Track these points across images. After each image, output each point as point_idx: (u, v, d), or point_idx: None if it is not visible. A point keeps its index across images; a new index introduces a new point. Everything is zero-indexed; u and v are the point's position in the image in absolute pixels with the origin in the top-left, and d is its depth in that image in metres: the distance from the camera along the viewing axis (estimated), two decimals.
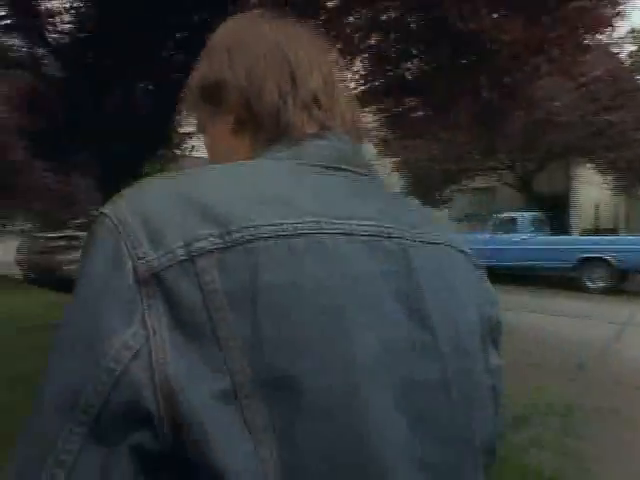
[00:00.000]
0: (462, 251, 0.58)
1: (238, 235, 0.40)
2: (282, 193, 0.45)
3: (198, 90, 0.60)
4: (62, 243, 13.85)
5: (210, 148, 0.61)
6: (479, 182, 16.52)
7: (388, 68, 6.03)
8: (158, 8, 5.31)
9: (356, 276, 0.44)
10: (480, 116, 5.31)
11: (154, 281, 0.38)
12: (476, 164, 15.50)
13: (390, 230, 0.49)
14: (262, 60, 0.55)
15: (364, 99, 7.12)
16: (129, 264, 0.38)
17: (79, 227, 18.29)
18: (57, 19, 5.39)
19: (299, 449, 0.38)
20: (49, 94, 5.86)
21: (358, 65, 6.63)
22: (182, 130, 7.74)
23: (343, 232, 0.45)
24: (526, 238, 11.34)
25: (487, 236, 11.98)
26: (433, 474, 0.46)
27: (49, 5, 5.62)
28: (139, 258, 0.38)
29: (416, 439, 0.45)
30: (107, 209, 0.42)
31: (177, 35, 6.08)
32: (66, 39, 5.55)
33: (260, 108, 0.54)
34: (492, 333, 0.58)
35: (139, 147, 4.92)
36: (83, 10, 5.49)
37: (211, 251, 0.39)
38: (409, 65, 6.08)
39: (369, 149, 13.78)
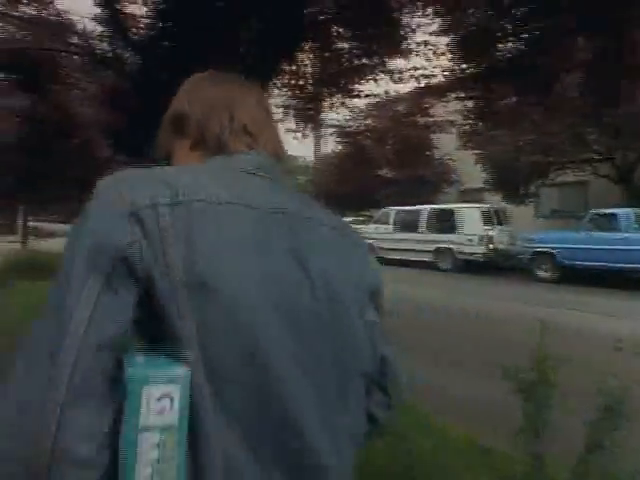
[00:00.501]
0: (346, 232, 0.83)
1: (183, 198, 0.63)
2: (213, 181, 0.69)
3: (170, 119, 0.86)
4: None
5: (176, 163, 0.84)
6: (569, 176, 15.19)
7: (480, 50, 5.49)
8: (232, 2, 5.18)
9: (258, 229, 0.68)
10: (598, 93, 4.62)
11: (134, 216, 0.60)
12: (567, 156, 14.25)
13: (286, 210, 0.73)
14: (211, 105, 0.83)
15: (450, 88, 6.63)
16: (120, 206, 0.61)
17: None
18: (137, 14, 5.42)
19: (211, 335, 0.60)
20: (130, 92, 5.93)
21: (443, 48, 6.15)
22: None
23: (251, 206, 0.69)
24: (629, 237, 10.23)
25: (582, 234, 10.97)
26: (313, 378, 0.68)
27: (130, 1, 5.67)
28: (127, 203, 0.61)
29: (297, 347, 0.67)
30: (109, 180, 0.66)
31: (250, 28, 5.93)
32: (145, 35, 5.58)
33: (208, 135, 0.81)
34: (372, 296, 0.82)
35: None
36: (161, 6, 5.47)
37: (166, 204, 0.62)
38: (502, 46, 5.50)
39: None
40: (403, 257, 15.00)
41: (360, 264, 0.81)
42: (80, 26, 7.68)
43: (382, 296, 0.85)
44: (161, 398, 0.55)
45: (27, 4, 7.72)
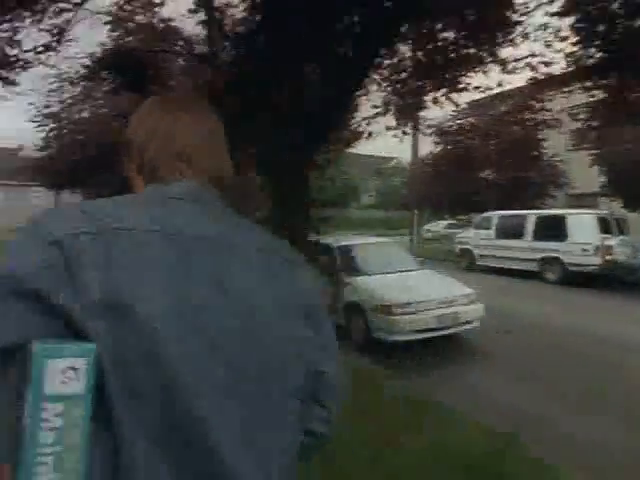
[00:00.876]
0: (276, 253, 0.84)
1: (104, 228, 0.69)
2: (137, 210, 0.75)
3: (124, 144, 0.93)
4: None
5: (131, 189, 0.93)
6: None
7: (612, 29, 4.69)
8: None
9: (178, 255, 0.71)
10: None
11: (56, 244, 0.66)
12: None
13: (209, 236, 0.77)
14: (153, 131, 0.88)
15: (574, 77, 5.81)
16: (43, 236, 0.68)
17: (256, 221, 19.47)
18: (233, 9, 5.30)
19: (124, 354, 0.63)
20: (224, 90, 5.84)
21: (567, 30, 5.36)
22: (360, 115, 7.17)
23: (172, 233, 0.73)
24: None
25: None
26: (235, 398, 0.70)
27: None
28: (50, 233, 0.68)
29: (216, 367, 0.69)
30: (38, 215, 0.73)
31: (351, 20, 5.57)
32: (241, 30, 5.45)
33: (145, 160, 0.87)
34: (307, 313, 0.82)
35: (309, 138, 4.46)
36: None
37: (87, 233, 0.68)
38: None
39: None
40: (504, 265, 13.89)
41: (290, 283, 0.83)
42: (182, 28, 7.84)
43: (321, 312, 0.87)
44: (66, 370, 0.59)
45: (138, 13, 8.07)
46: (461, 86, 6.58)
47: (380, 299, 6.22)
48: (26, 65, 4.63)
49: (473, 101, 14.20)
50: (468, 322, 6.49)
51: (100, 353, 0.61)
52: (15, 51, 4.38)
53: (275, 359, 0.75)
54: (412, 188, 22.09)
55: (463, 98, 7.42)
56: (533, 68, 6.03)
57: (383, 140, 8.98)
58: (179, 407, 0.65)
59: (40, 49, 4.52)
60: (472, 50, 6.47)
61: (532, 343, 6.76)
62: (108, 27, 8.00)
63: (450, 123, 18.16)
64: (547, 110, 14.63)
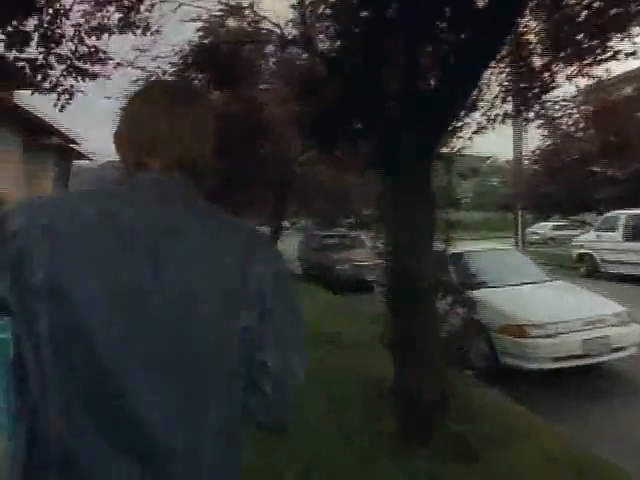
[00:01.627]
0: (228, 239, 0.86)
1: (54, 220, 0.77)
2: (91, 203, 0.82)
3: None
4: (335, 241, 14.31)
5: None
6: None
7: None
8: None
9: (118, 244, 0.78)
10: None
11: (14, 234, 0.77)
12: None
13: (153, 223, 0.81)
14: (131, 122, 0.94)
15: None
16: (7, 227, 0.79)
17: (350, 226, 18.77)
18: None
19: (60, 334, 0.72)
20: (321, 78, 5.15)
21: None
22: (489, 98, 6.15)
23: (116, 223, 0.79)
24: None
25: None
26: (165, 377, 0.75)
27: None
28: (10, 225, 0.79)
29: (145, 349, 0.75)
30: (11, 208, 0.83)
31: None
32: (340, 6, 4.74)
33: (122, 151, 0.95)
34: (257, 301, 0.83)
35: (432, 125, 3.60)
36: None
37: (40, 225, 0.77)
38: None
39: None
40: (635, 272, 11.98)
41: (242, 270, 0.83)
42: (276, 23, 7.33)
43: (271, 301, 0.85)
44: None
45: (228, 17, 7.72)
46: (605, 56, 5.35)
47: (510, 318, 5.15)
48: (107, 58, 4.29)
49: (588, 86, 12.49)
50: (621, 348, 5.23)
51: (19, 336, 0.75)
52: (94, 41, 4.04)
53: (212, 344, 0.79)
54: (516, 187, 20.27)
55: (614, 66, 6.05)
56: None
57: (477, 138, 7.88)
58: (107, 386, 0.73)
59: (114, 31, 4.14)
60: (614, 10, 5.24)
61: None
62: (197, 27, 7.73)
63: (561, 113, 16.30)
64: None
